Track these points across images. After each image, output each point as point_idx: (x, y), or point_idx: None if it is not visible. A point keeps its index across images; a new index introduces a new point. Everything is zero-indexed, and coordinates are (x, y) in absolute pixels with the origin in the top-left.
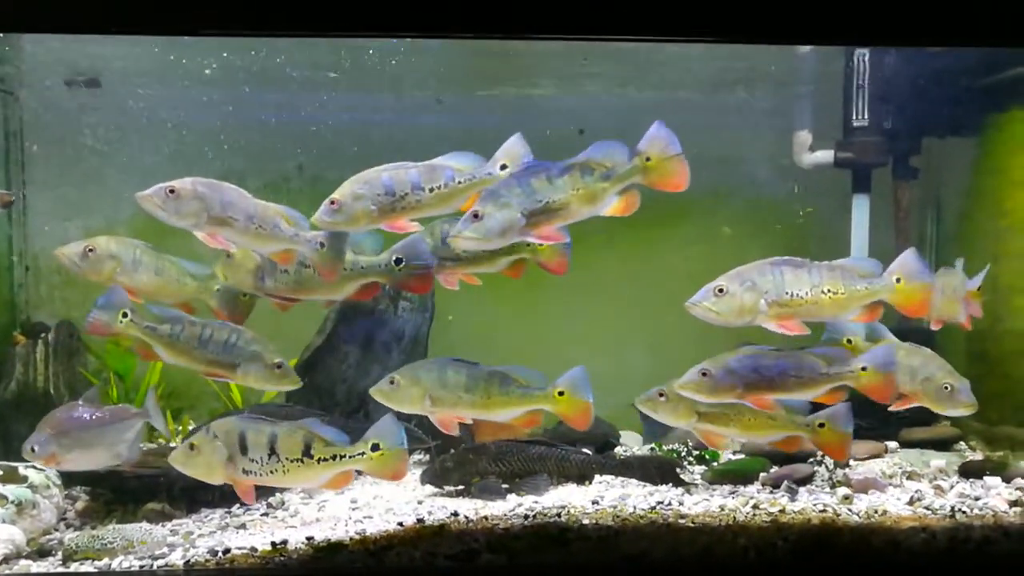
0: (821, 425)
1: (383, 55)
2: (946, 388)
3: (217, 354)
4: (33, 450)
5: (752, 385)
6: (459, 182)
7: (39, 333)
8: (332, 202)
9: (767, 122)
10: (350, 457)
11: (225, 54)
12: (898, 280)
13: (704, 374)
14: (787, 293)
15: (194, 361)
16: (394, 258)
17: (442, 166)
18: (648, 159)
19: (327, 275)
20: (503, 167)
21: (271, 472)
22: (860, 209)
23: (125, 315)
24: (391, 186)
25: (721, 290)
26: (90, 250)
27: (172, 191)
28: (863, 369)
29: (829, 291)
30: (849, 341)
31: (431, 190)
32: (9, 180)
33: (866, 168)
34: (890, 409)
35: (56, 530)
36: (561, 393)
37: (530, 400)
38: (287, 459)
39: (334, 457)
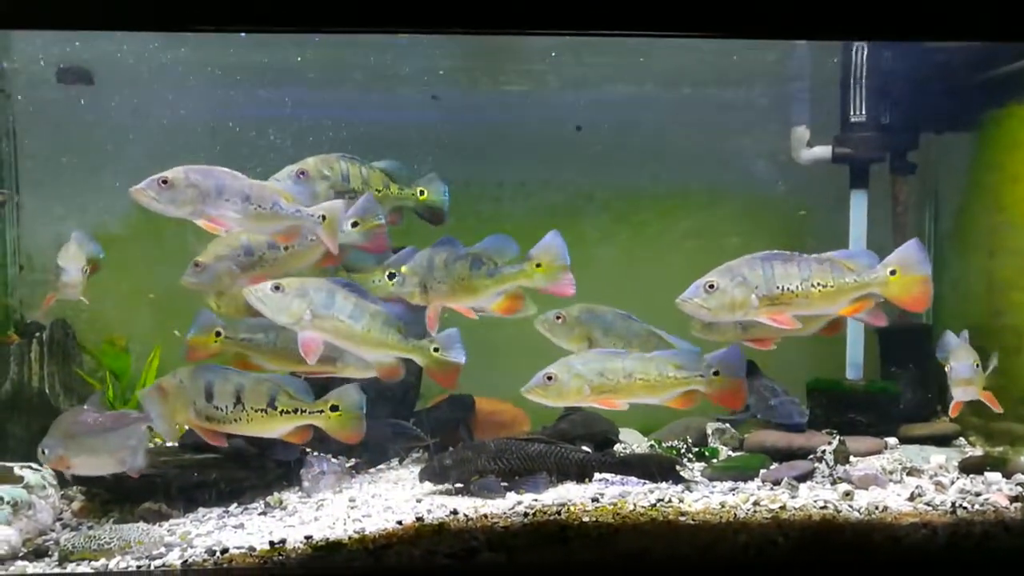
0: (716, 373)
1: (379, 50)
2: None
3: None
4: (44, 452)
5: (598, 388)
6: (311, 240)
7: (34, 333)
8: (196, 264)
9: (764, 118)
10: (310, 412)
11: (208, 50)
12: (893, 273)
13: (549, 378)
14: (778, 287)
15: (295, 362)
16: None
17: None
18: (538, 265)
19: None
20: (354, 224)
21: (235, 420)
22: (858, 205)
23: (219, 333)
24: (249, 247)
25: (712, 286)
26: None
27: (165, 182)
28: (715, 374)
29: (819, 284)
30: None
31: (286, 248)
32: (2, 179)
33: (864, 163)
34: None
35: (52, 530)
36: (436, 349)
37: (403, 348)
38: (252, 408)
39: (296, 410)
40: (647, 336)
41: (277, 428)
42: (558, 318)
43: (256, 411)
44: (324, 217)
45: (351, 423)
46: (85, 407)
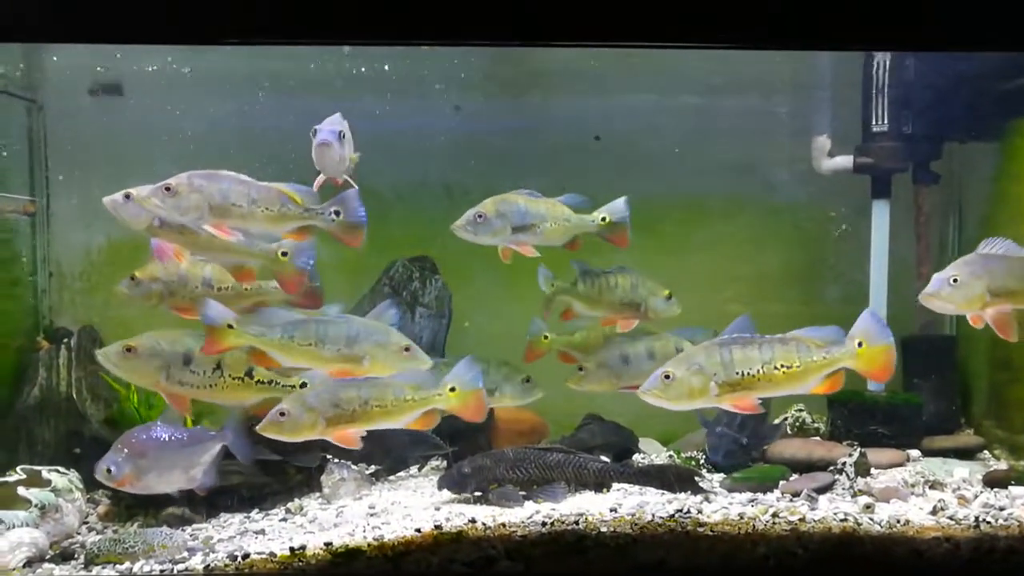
0: (452, 389)
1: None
2: None
3: None
4: (109, 471)
5: (334, 419)
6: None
7: (62, 338)
8: (133, 278)
9: (786, 127)
10: (283, 385)
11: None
12: (860, 344)
13: (282, 414)
14: (737, 373)
15: None
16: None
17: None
18: None
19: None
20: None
21: (209, 386)
22: (880, 215)
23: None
24: (184, 277)
25: (668, 376)
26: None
27: (168, 188)
28: (451, 390)
29: (783, 366)
30: None
31: (219, 289)
32: (33, 188)
33: (886, 173)
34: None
35: (78, 534)
36: (337, 212)
37: (304, 217)
38: (230, 376)
39: (271, 382)
40: (551, 206)
41: (249, 398)
42: (479, 216)
43: (233, 379)
44: (339, 213)
45: None
46: (157, 423)
